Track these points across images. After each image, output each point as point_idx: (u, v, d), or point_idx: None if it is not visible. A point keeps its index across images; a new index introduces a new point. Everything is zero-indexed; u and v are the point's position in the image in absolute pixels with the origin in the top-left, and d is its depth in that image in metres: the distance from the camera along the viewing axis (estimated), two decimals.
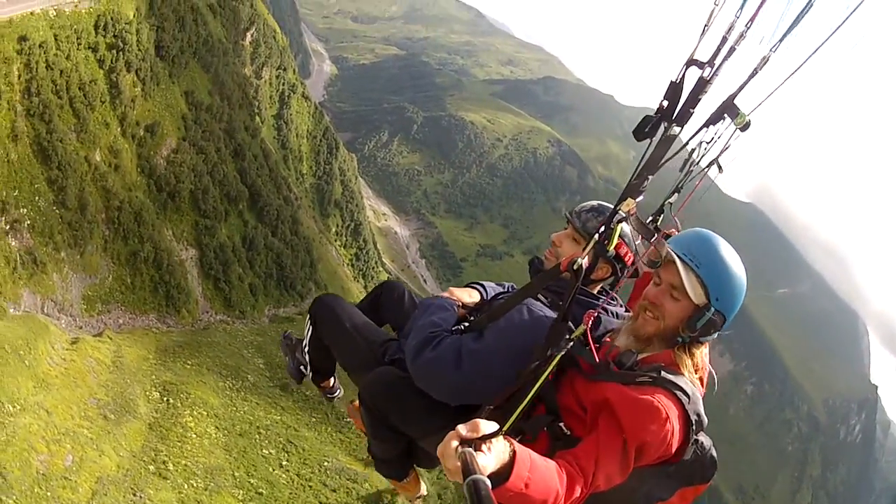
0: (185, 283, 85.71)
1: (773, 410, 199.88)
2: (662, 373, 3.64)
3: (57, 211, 74.92)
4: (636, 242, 4.54)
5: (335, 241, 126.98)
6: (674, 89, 3.51)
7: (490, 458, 2.72)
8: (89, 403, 61.17)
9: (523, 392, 3.63)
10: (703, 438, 3.82)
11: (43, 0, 75.68)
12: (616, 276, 4.75)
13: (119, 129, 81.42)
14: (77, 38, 76.59)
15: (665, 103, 3.55)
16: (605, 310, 4.46)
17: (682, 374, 3.76)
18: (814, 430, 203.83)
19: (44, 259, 73.28)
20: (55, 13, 75.90)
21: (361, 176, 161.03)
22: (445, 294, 5.01)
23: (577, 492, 3.23)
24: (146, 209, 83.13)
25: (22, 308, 69.22)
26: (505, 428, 2.98)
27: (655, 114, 3.64)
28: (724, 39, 3.23)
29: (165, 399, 59.60)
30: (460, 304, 4.91)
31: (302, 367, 6.13)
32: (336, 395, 6.62)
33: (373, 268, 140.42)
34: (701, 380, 4.02)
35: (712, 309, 3.78)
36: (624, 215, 3.78)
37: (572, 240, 4.79)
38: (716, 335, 3.94)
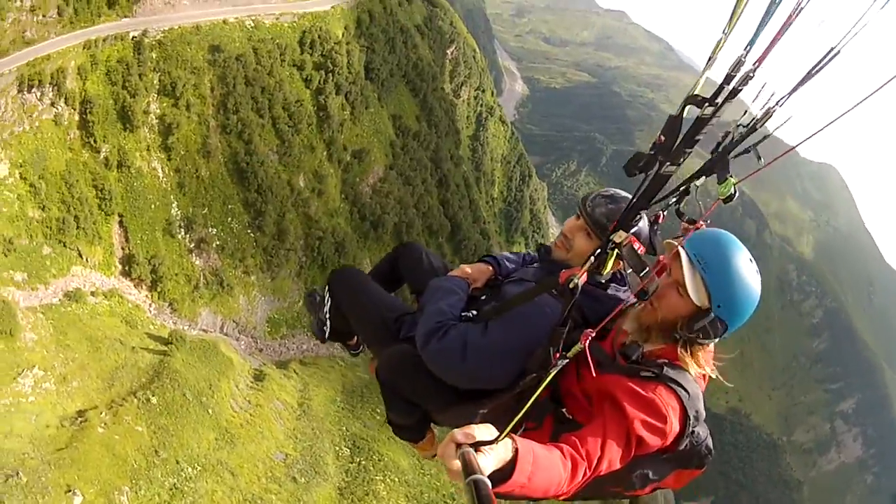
0: None
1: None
2: (665, 369, 3.49)
3: (252, 234, 68.30)
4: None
5: None
6: (672, 125, 3.21)
7: (490, 458, 2.57)
8: (276, 460, 54.20)
9: (526, 394, 3.42)
10: (701, 430, 3.57)
11: (235, 7, 68.47)
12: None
13: (325, 154, 73.83)
14: (280, 55, 69.43)
15: (662, 138, 3.23)
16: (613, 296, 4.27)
17: (685, 371, 3.57)
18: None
19: (231, 282, 66.95)
20: (253, 24, 68.87)
21: (548, 204, 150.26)
22: (457, 272, 4.71)
23: (581, 475, 3.10)
24: (349, 239, 75.64)
25: (198, 327, 64.64)
26: (503, 436, 2.67)
27: (651, 149, 3.28)
28: (729, 78, 2.94)
29: (357, 460, 58.61)
30: (472, 282, 4.64)
31: (324, 327, 5.37)
32: (360, 350, 5.96)
33: None
34: (704, 377, 3.73)
35: (712, 315, 3.55)
36: (617, 246, 3.46)
37: (584, 233, 4.46)
38: (716, 340, 3.71)
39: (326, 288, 5.37)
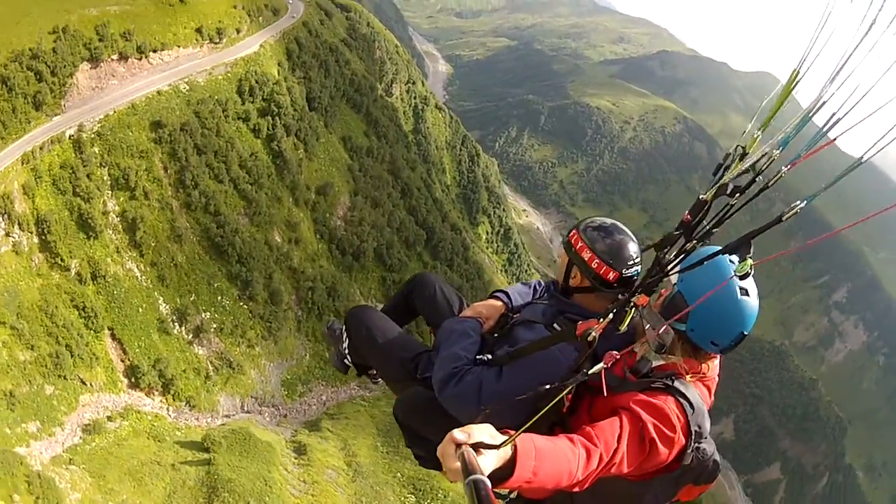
0: None
1: None
2: (675, 381, 3.50)
3: (245, 307, 61.86)
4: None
5: (487, 248, 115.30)
6: (699, 207, 3.29)
7: (490, 458, 2.50)
8: None
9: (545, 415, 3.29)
10: (707, 445, 3.51)
11: (165, 73, 61.03)
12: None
13: (291, 200, 67.66)
14: (223, 111, 62.74)
15: (688, 217, 3.32)
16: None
17: (692, 385, 3.57)
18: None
19: (238, 360, 60.72)
20: (188, 86, 61.55)
21: (501, 177, 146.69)
22: (469, 312, 4.57)
23: (596, 462, 3.03)
24: (337, 280, 69.93)
25: (221, 415, 58.93)
26: (506, 443, 2.59)
27: (677, 229, 3.37)
28: (759, 172, 3.03)
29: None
30: (483, 321, 4.49)
31: (346, 360, 5.33)
32: (379, 380, 5.62)
33: (525, 270, 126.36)
34: (709, 388, 3.76)
35: (676, 289, 3.63)
36: (637, 308, 3.47)
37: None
38: (717, 352, 3.67)
39: (344, 329, 5.20)
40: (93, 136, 52.87)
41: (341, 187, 73.75)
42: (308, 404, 66.23)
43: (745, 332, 3.58)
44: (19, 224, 46.63)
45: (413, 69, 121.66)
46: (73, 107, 52.87)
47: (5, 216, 45.70)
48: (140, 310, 54.77)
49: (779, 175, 2.93)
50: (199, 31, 64.96)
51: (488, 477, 2.36)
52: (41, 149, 49.05)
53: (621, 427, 3.20)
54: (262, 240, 63.98)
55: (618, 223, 4.29)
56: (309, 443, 58.16)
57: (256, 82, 66.21)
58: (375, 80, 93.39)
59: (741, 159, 3.11)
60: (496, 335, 4.43)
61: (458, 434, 2.48)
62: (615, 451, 3.10)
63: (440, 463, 4.16)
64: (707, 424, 3.50)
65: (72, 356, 48.17)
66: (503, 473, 2.58)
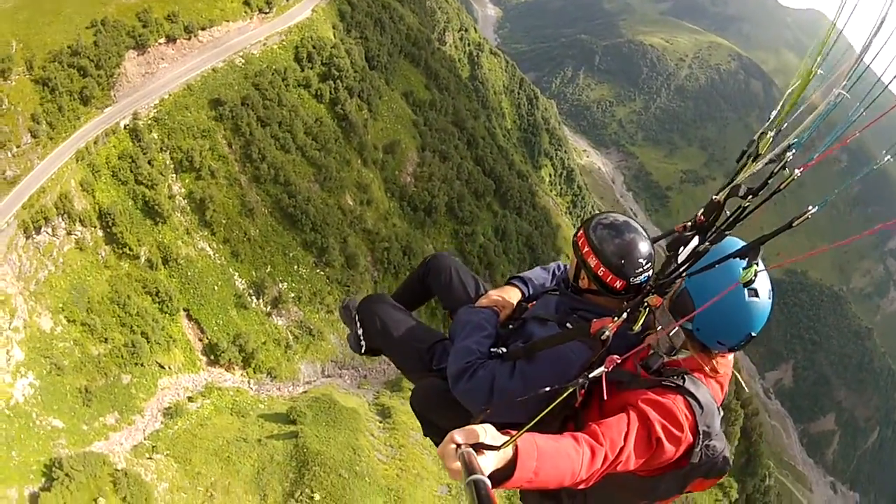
0: None
1: None
2: (686, 380, 3.31)
3: (322, 273, 57.58)
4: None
5: (551, 191, 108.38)
6: (713, 208, 3.21)
7: (490, 458, 2.44)
8: (442, 494, 48.09)
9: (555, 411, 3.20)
10: (717, 442, 3.36)
11: (217, 49, 55.52)
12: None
13: (360, 162, 62.26)
14: (283, 80, 57.07)
15: (701, 218, 3.27)
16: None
17: (703, 383, 3.39)
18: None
19: (318, 327, 56.88)
20: (243, 60, 55.89)
21: (560, 118, 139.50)
22: (485, 301, 4.31)
23: (601, 461, 2.91)
24: (413, 239, 64.77)
25: (302, 382, 55.82)
26: (506, 444, 2.51)
27: (690, 229, 3.33)
28: (772, 175, 2.88)
29: None
30: (500, 310, 4.26)
31: (361, 342, 4.91)
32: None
33: (588, 213, 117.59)
34: (721, 385, 3.54)
35: (683, 285, 3.39)
36: (651, 308, 3.41)
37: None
38: (725, 351, 3.45)
39: (357, 319, 4.84)
40: (149, 122, 48.25)
41: (408, 144, 67.96)
42: (387, 363, 61.85)
43: (754, 334, 3.32)
44: (80, 221, 42.68)
45: (464, 16, 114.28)
46: (125, 96, 48.07)
47: (64, 216, 41.75)
48: (216, 288, 51.17)
49: (791, 178, 2.75)
50: (246, 3, 58.94)
51: (489, 477, 2.28)
52: (95, 143, 44.65)
53: (628, 425, 3.06)
54: (334, 205, 59.32)
55: (629, 221, 3.90)
56: (392, 405, 54.93)
57: (314, 48, 60.01)
58: (429, 31, 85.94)
59: (754, 160, 2.95)
60: (511, 326, 4.17)
61: (458, 434, 2.41)
62: (621, 449, 2.97)
63: None
64: (717, 423, 3.33)
65: (148, 342, 44.96)
66: (504, 473, 2.51)
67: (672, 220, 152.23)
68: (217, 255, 51.72)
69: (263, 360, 52.69)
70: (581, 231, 3.90)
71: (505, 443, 2.47)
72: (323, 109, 60.15)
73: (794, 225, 2.66)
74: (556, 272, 4.54)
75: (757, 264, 2.95)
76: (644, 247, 3.78)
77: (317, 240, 56.85)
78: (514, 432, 2.55)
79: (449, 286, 4.79)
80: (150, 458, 40.79)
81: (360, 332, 4.82)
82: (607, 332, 3.30)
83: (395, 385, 59.44)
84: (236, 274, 52.80)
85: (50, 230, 40.88)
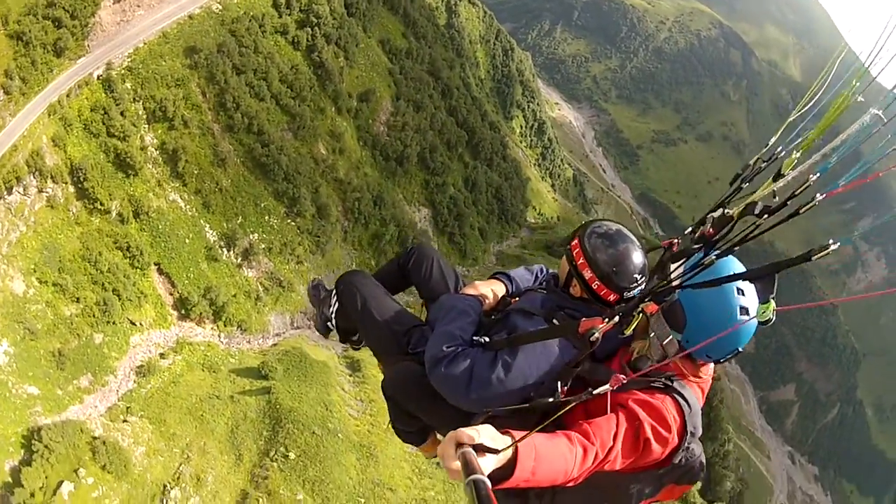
0: None
1: None
2: (674, 381, 3.34)
3: (293, 223, 56.70)
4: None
5: (521, 142, 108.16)
6: (725, 222, 3.14)
7: (490, 458, 2.44)
8: (414, 451, 49.81)
9: (537, 416, 3.36)
10: (696, 446, 3.39)
11: None
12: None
13: (334, 110, 60.56)
14: (260, 27, 54.82)
15: (711, 231, 3.22)
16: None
17: (689, 386, 3.41)
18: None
19: (288, 278, 56.23)
20: (220, 6, 53.46)
21: (535, 70, 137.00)
22: (469, 291, 4.21)
23: (591, 459, 2.93)
24: (384, 189, 64.05)
25: (272, 334, 55.07)
26: (506, 448, 2.51)
27: (696, 242, 3.30)
28: (793, 196, 2.78)
29: None
30: (484, 301, 4.16)
31: (329, 324, 4.90)
32: (363, 345, 5.07)
33: (558, 165, 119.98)
34: (703, 390, 3.55)
35: (675, 296, 3.38)
36: (646, 315, 3.39)
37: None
38: (711, 362, 3.51)
39: (334, 291, 4.80)
40: (123, 72, 45.48)
41: (383, 92, 66.08)
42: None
43: (740, 349, 3.37)
44: (52, 177, 40.48)
45: None
46: (99, 45, 45.06)
47: (36, 174, 39.52)
48: (187, 240, 49.72)
49: (812, 203, 2.58)
50: None
51: (489, 477, 2.28)
52: (68, 95, 41.94)
53: (618, 425, 3.05)
54: (307, 154, 57.80)
55: (623, 230, 3.80)
56: (361, 357, 53.71)
57: None
58: None
59: (774, 179, 2.85)
60: (493, 318, 4.09)
61: (458, 434, 2.38)
62: (611, 449, 2.97)
63: (423, 437, 4.60)
64: (700, 425, 3.32)
65: (119, 299, 43.71)
66: (503, 473, 2.50)
67: (641, 179, 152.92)
68: (188, 206, 50.11)
69: (234, 312, 51.92)
70: (576, 240, 3.83)
71: (505, 447, 2.47)
72: (299, 57, 57.73)
73: (812, 259, 2.51)
74: (539, 275, 4.50)
75: (773, 299, 2.86)
76: (638, 259, 3.70)
77: (288, 189, 55.53)
78: (513, 432, 2.57)
79: (429, 277, 4.73)
80: (126, 422, 40.21)
81: (333, 309, 4.76)
82: (596, 334, 3.22)
83: None
84: (207, 226, 51.38)
85: (21, 189, 38.82)
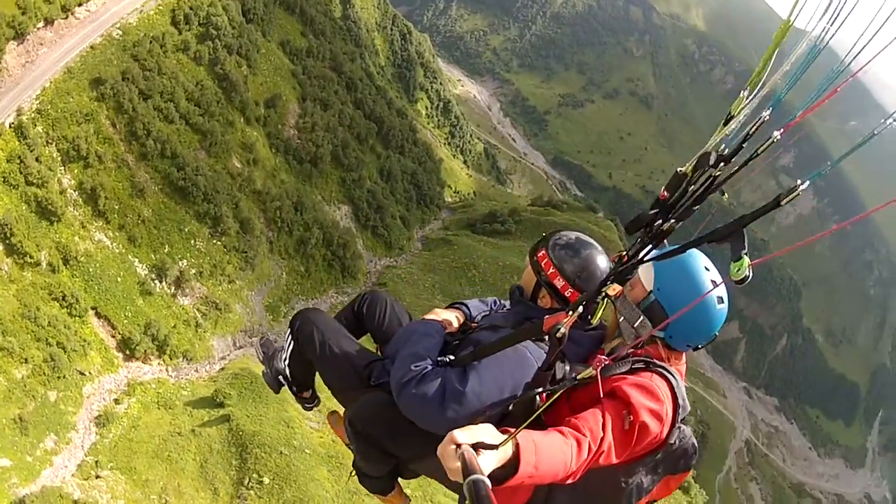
0: (357, 248, 66.91)
1: (856, 250, 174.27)
2: (653, 360, 3.33)
3: (219, 243, 55.59)
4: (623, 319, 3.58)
5: (428, 124, 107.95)
6: (676, 181, 2.84)
7: (491, 457, 2.41)
8: None
9: (517, 416, 3.29)
10: (686, 427, 3.36)
11: (95, 26, 50.41)
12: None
13: (243, 121, 59.31)
14: (161, 47, 52.61)
15: (665, 194, 2.90)
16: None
17: (668, 365, 3.38)
18: (893, 275, 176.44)
19: (224, 299, 55.17)
20: (121, 32, 51.09)
21: (435, 51, 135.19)
22: (431, 316, 4.20)
23: (586, 452, 2.88)
24: (303, 193, 63.45)
25: (217, 358, 53.54)
26: (504, 442, 2.48)
27: (652, 207, 2.96)
28: (746, 137, 2.60)
29: None
30: (445, 325, 4.12)
31: (280, 378, 4.86)
32: (314, 404, 5.29)
33: (468, 141, 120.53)
34: (680, 373, 3.46)
35: (652, 297, 3.44)
36: (611, 299, 3.29)
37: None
38: (690, 350, 3.54)
39: (289, 333, 4.68)
40: (33, 115, 42.40)
41: (289, 95, 64.81)
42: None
43: (717, 334, 3.48)
44: None
45: None
46: (6, 91, 41.76)
47: None
48: (118, 279, 47.52)
49: (770, 141, 2.47)
50: None
51: (490, 476, 2.27)
52: None
53: (604, 415, 3.01)
54: (222, 170, 56.17)
55: (582, 236, 3.92)
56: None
57: (190, 8, 54.76)
58: None
59: (725, 123, 2.67)
60: (457, 341, 3.97)
61: (458, 434, 2.37)
62: (601, 439, 2.93)
63: (389, 486, 4.59)
64: (687, 403, 3.28)
65: (65, 352, 41.48)
66: (506, 472, 2.47)
67: (552, 144, 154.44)
68: (115, 244, 47.86)
69: (177, 344, 50.28)
70: (542, 251, 3.87)
71: (503, 441, 2.48)
72: (203, 72, 55.67)
73: (781, 203, 2.46)
74: (493, 305, 4.51)
75: (746, 255, 2.70)
76: (602, 259, 3.81)
77: (210, 210, 53.91)
78: (512, 430, 2.59)
79: (384, 321, 4.70)
80: (98, 477, 38.70)
81: (285, 355, 4.72)
82: (562, 329, 3.11)
83: None
84: (136, 260, 49.29)
85: None
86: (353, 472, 4.71)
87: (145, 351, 47.77)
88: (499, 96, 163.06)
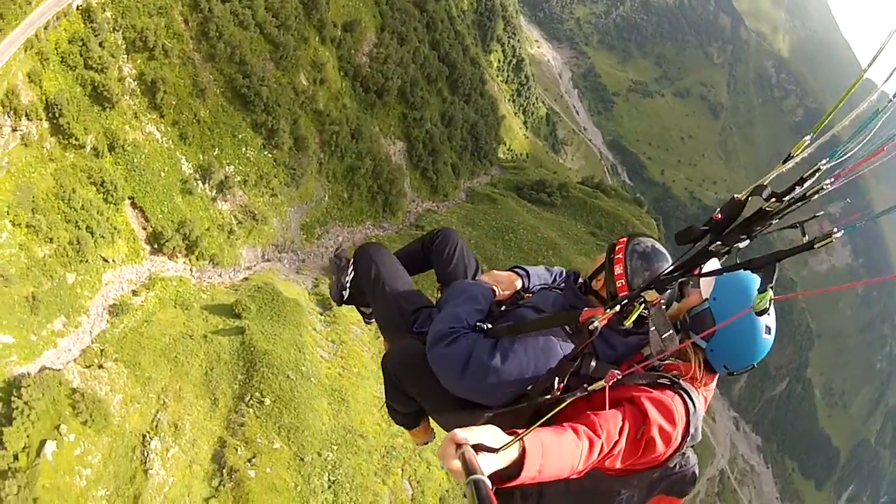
0: (403, 186, 65.72)
1: (876, 320, 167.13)
2: (681, 380, 3.29)
3: (270, 155, 55.01)
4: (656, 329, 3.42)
5: (497, 77, 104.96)
6: (733, 207, 2.96)
7: (492, 458, 2.37)
8: (378, 392, 46.79)
9: (530, 410, 3.34)
10: (690, 453, 3.34)
11: None
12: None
13: (318, 39, 57.66)
14: None
15: (719, 216, 2.99)
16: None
17: (696, 389, 3.35)
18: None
19: (262, 211, 54.78)
20: None
21: (519, 7, 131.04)
22: (486, 279, 4.28)
23: (597, 453, 2.87)
24: (363, 123, 62.24)
25: (243, 267, 53.73)
26: (508, 445, 2.44)
27: (704, 225, 3.05)
28: (802, 180, 2.63)
29: None
30: (499, 290, 4.17)
31: (343, 292, 4.87)
32: (372, 320, 5.09)
33: (532, 103, 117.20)
34: (706, 399, 3.47)
35: (707, 304, 3.40)
36: (647, 304, 3.24)
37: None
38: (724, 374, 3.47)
39: (352, 261, 4.80)
40: (104, 0, 41.73)
41: (368, 23, 62.88)
42: (325, 247, 60.96)
43: (755, 364, 3.40)
44: (27, 115, 37.32)
45: None
46: None
47: (11, 113, 36.34)
48: (162, 174, 47.39)
49: (819, 188, 2.52)
50: None
51: (495, 476, 2.30)
52: (46, 28, 38.15)
53: (624, 420, 3.00)
54: (287, 84, 55.14)
55: (663, 251, 3.73)
56: (334, 309, 53.33)
57: None
58: None
59: (783, 162, 2.68)
60: (504, 309, 4.01)
61: (459, 434, 2.34)
62: (616, 443, 2.92)
63: (415, 421, 4.59)
64: (700, 430, 3.26)
65: (93, 237, 41.83)
66: (510, 472, 2.45)
67: (614, 125, 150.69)
68: (165, 138, 47.56)
69: (207, 246, 50.53)
70: (624, 242, 3.83)
71: (508, 443, 2.44)
72: None
73: (815, 247, 2.50)
74: (558, 277, 4.48)
75: (771, 288, 2.74)
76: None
77: (267, 121, 53.27)
78: (519, 432, 2.54)
79: (449, 261, 4.71)
80: (102, 367, 39.14)
81: (349, 278, 4.77)
82: (596, 323, 3.19)
83: None
84: (183, 158, 49.06)
85: None
86: (384, 402, 4.68)
87: (174, 248, 47.98)
88: (572, 66, 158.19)
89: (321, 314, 52.93)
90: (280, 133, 53.71)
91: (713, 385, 3.56)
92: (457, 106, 74.38)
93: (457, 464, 2.24)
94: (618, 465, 3.02)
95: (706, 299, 3.41)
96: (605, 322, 3.18)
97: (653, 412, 3.04)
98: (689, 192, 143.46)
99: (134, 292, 45.04)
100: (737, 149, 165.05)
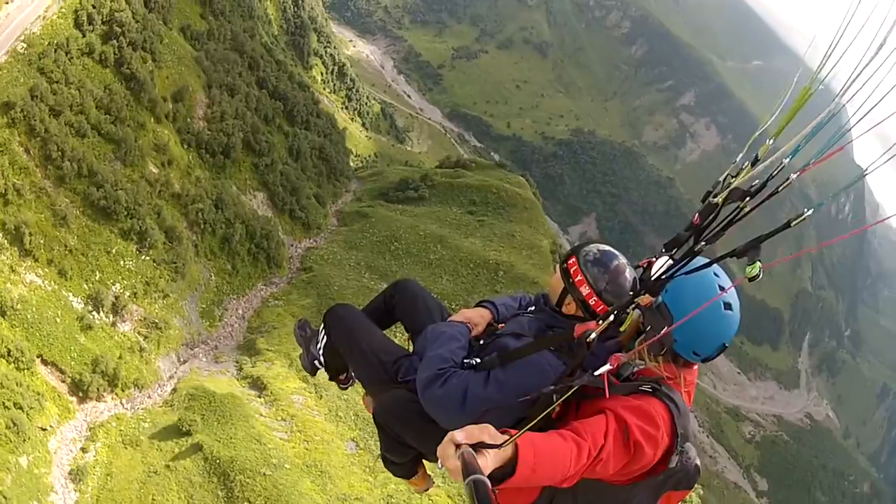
0: (278, 236, 67.32)
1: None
2: (661, 385, 3.42)
3: (147, 258, 54.22)
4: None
5: (324, 90, 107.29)
6: (708, 210, 3.20)
7: (490, 457, 2.49)
8: (351, 452, 49.20)
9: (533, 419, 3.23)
10: (690, 450, 3.42)
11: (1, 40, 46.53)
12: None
13: (153, 121, 56.51)
14: (66, 53, 49.61)
15: (697, 220, 3.22)
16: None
17: (676, 389, 3.51)
18: (806, 205, 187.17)
19: (163, 316, 54.21)
20: (25, 45, 47.77)
21: (328, 16, 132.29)
22: (457, 318, 4.45)
23: (585, 457, 2.97)
24: (222, 189, 62.46)
25: (165, 379, 52.40)
26: (506, 444, 2.57)
27: (686, 229, 3.29)
28: (770, 177, 2.94)
29: None
30: (472, 327, 4.37)
31: (316, 362, 5.18)
32: (349, 384, 5.39)
33: (364, 103, 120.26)
34: (689, 394, 3.71)
35: (660, 299, 3.54)
36: (641, 308, 3.58)
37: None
38: (698, 361, 3.63)
39: (322, 326, 5.05)
40: None
41: (195, 85, 61.86)
42: (231, 326, 60.84)
43: (727, 344, 3.58)
44: None
45: None
46: None
47: None
48: (57, 319, 45.10)
49: (788, 182, 2.86)
50: None
51: (490, 476, 2.38)
52: None
53: (607, 425, 3.15)
54: (139, 179, 53.58)
55: (611, 250, 4.19)
56: (260, 374, 54.20)
57: (93, 7, 50.80)
58: None
59: (753, 165, 3.07)
60: (482, 343, 4.30)
61: (458, 434, 2.48)
62: (602, 447, 3.05)
63: (413, 470, 4.85)
64: (691, 428, 3.47)
65: (23, 411, 39.69)
66: (504, 472, 2.58)
67: (448, 97, 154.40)
68: (46, 281, 45.33)
69: (126, 374, 48.57)
70: (572, 259, 4.16)
71: (505, 442, 2.57)
72: (109, 75, 52.14)
73: (791, 225, 2.78)
74: (522, 301, 4.73)
75: (760, 261, 2.94)
76: (629, 272, 4.10)
77: (134, 225, 51.61)
78: (513, 431, 2.69)
79: (415, 310, 4.99)
80: None
81: (320, 346, 5.06)
82: (592, 335, 3.36)
83: (249, 349, 58.12)
84: (70, 294, 46.94)
85: None
86: (380, 455, 4.96)
87: (98, 389, 46.07)
88: (391, 54, 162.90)
89: (258, 397, 52.97)
90: (149, 232, 52.40)
91: (694, 374, 3.79)
92: (300, 136, 74.77)
93: (456, 463, 2.38)
94: (610, 470, 3.13)
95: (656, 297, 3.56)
96: (600, 332, 3.37)
97: (630, 417, 3.19)
98: (540, 135, 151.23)
99: (83, 449, 43.10)
100: (573, 78, 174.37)
